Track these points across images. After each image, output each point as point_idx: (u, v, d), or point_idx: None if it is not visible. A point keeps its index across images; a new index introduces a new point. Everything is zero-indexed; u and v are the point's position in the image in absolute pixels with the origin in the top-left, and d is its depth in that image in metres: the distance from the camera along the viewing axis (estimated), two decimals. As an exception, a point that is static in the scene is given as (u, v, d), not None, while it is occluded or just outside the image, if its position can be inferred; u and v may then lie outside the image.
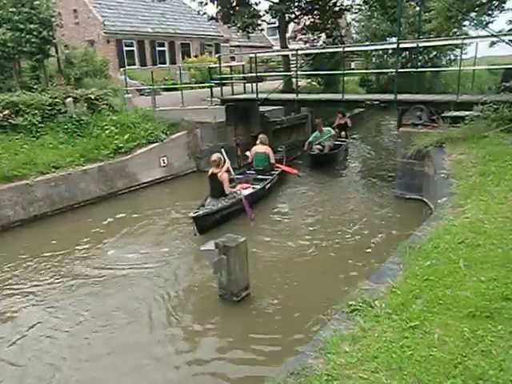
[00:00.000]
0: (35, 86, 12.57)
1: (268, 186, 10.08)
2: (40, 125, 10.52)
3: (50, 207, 9.43)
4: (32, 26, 12.27)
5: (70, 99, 11.12)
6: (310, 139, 13.49)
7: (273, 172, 10.73)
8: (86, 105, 11.43)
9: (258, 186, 9.83)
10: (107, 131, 11.18)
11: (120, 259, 7.16)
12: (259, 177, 10.53)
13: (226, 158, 8.93)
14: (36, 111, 10.52)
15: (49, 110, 10.81)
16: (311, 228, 8.19)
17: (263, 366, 4.52)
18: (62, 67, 14.30)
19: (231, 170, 9.17)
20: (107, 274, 6.67)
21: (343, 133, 15.20)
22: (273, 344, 4.83)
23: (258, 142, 10.99)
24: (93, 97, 11.71)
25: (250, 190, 9.50)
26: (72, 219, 9.25)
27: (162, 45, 26.44)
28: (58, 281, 6.56)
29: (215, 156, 8.66)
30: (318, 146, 13.18)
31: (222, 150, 9.26)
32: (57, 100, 11.01)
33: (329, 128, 13.82)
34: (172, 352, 4.82)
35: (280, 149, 12.47)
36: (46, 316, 5.57)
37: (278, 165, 10.99)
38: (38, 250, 7.57)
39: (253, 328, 5.16)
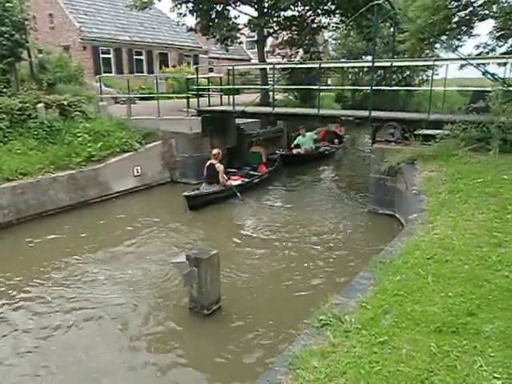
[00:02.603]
0: (4, 90, 12.22)
1: (256, 180, 11.97)
2: (8, 130, 10.19)
3: (15, 215, 9.08)
4: (3, 28, 11.98)
5: (41, 104, 10.88)
6: (295, 142, 15.82)
7: (264, 169, 12.79)
8: (58, 111, 11.18)
9: (247, 180, 11.68)
10: (80, 138, 10.95)
11: (85, 274, 6.96)
12: (251, 172, 12.52)
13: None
14: (4, 116, 10.20)
15: (18, 114, 10.50)
16: (283, 241, 8.20)
17: (232, 381, 4.46)
18: (35, 72, 13.98)
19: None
20: (72, 291, 6.50)
21: (336, 140, 18.04)
22: (242, 359, 4.78)
23: (254, 143, 13.49)
24: (66, 103, 11.49)
25: (239, 182, 11.41)
26: (38, 229, 8.89)
27: (140, 53, 26.28)
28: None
29: (216, 150, 10.81)
30: (299, 149, 15.48)
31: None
32: (27, 105, 10.72)
33: (311, 133, 16.14)
34: (136, 365, 4.70)
35: (278, 151, 14.86)
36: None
37: (260, 167, 12.87)
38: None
39: (222, 342, 5.09)
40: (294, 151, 15.44)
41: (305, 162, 15.09)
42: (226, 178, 10.87)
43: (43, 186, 9.60)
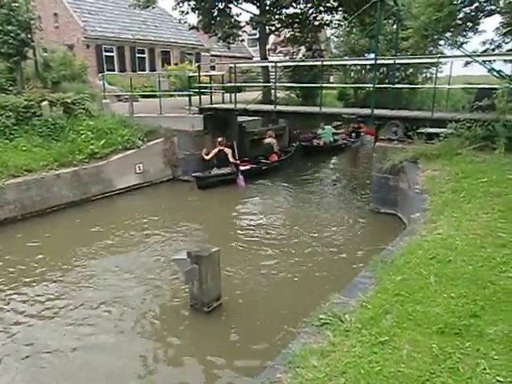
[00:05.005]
0: (11, 88, 12.30)
1: (265, 167, 13.23)
2: (14, 127, 10.29)
3: (20, 211, 9.20)
4: (10, 27, 12.05)
5: (45, 102, 10.94)
6: (318, 133, 17.50)
7: (275, 158, 13.95)
8: (62, 109, 11.24)
9: (255, 166, 12.91)
10: (83, 136, 11.01)
11: (88, 268, 7.00)
12: (262, 160, 13.61)
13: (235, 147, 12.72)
14: (10, 113, 10.29)
15: (24, 112, 10.60)
16: (284, 239, 8.18)
17: (230, 379, 4.45)
18: (40, 70, 14.00)
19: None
20: (76, 284, 6.52)
21: (353, 134, 19.72)
22: (241, 357, 4.77)
23: (267, 135, 14.30)
24: (69, 101, 11.54)
25: (247, 167, 12.56)
26: (42, 224, 8.96)
27: (142, 52, 26.28)
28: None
29: (220, 138, 12.29)
30: (318, 141, 17.17)
31: (234, 142, 12.77)
32: (32, 103, 10.81)
33: (330, 127, 17.80)
34: (136, 363, 4.70)
35: (294, 144, 16.17)
36: None
37: (272, 156, 13.85)
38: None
39: (222, 340, 5.09)
40: (314, 142, 17.08)
41: (323, 153, 16.76)
42: (234, 161, 12.20)
43: (47, 182, 9.69)
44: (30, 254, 7.50)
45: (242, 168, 12.25)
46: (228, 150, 12.23)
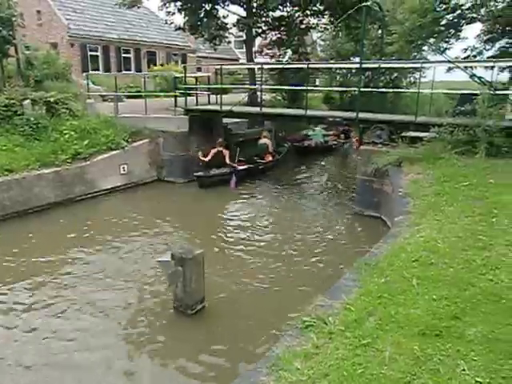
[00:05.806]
0: (-9, 86, 12.12)
1: (261, 166, 13.67)
2: (-6, 126, 10.13)
3: (0, 212, 9.01)
4: (-10, 24, 11.90)
5: (27, 101, 10.80)
6: (308, 134, 18.42)
7: (270, 158, 14.39)
8: (44, 108, 11.10)
9: (252, 166, 13.21)
10: (66, 136, 10.88)
11: (69, 270, 6.91)
12: (258, 160, 13.91)
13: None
14: (-10, 112, 10.12)
15: (4, 111, 10.46)
16: (270, 241, 8.20)
17: (215, 382, 4.43)
18: (22, 68, 13.80)
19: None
20: (57, 288, 6.42)
21: (342, 135, 20.23)
22: (225, 359, 4.76)
23: (262, 136, 14.49)
24: (52, 100, 11.41)
25: (244, 167, 12.83)
26: (23, 225, 8.81)
27: (128, 52, 26.02)
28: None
29: (219, 139, 12.73)
30: (309, 142, 17.93)
31: (238, 148, 12.95)
32: (14, 101, 10.66)
33: (320, 128, 18.63)
34: (116, 364, 4.67)
35: (285, 145, 16.32)
36: None
37: (267, 156, 14.23)
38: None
39: (205, 343, 5.06)
40: (306, 143, 17.80)
41: (314, 153, 17.47)
42: (232, 163, 12.50)
43: (28, 182, 9.52)
44: (10, 254, 7.37)
45: (239, 168, 12.52)
46: (226, 152, 12.59)
